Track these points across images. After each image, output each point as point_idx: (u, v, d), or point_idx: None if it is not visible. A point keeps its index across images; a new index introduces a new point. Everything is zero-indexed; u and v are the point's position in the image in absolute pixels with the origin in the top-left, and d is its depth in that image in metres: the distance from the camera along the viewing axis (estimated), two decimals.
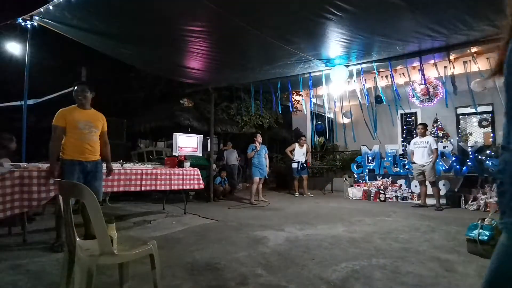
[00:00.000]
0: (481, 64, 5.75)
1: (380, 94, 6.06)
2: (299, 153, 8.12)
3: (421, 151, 6.13)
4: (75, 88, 3.38)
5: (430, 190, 6.54)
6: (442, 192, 6.47)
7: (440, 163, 6.85)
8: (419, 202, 6.44)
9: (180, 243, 3.54)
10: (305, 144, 8.27)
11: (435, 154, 6.02)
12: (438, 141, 8.54)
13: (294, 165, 8.06)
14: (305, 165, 8.08)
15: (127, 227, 4.34)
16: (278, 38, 4.49)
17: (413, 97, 7.73)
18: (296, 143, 8.28)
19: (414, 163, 6.27)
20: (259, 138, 7.03)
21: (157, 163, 6.15)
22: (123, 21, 4.16)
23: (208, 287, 2.33)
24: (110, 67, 9.25)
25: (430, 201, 6.26)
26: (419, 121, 9.92)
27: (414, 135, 9.90)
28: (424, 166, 6.04)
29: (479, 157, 6.71)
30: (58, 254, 2.99)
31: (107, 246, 1.73)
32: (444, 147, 7.24)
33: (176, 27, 4.20)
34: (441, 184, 6.53)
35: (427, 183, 6.16)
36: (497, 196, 0.70)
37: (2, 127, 5.50)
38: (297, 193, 8.13)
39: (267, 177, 7.38)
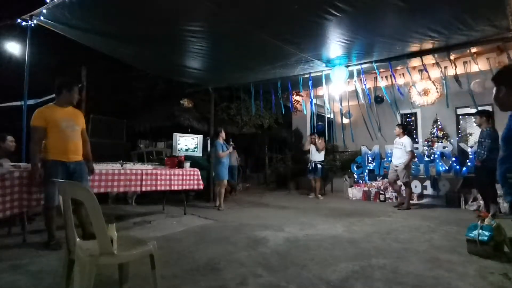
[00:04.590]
0: (481, 64, 5.75)
1: (384, 94, 6.07)
2: (313, 152, 7.74)
3: (397, 151, 6.19)
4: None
5: (429, 190, 6.57)
6: (442, 193, 6.47)
7: (440, 163, 6.84)
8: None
9: (180, 243, 3.53)
10: (315, 141, 7.75)
11: (408, 156, 5.98)
12: (438, 142, 8.54)
13: (308, 166, 7.79)
14: (318, 166, 7.61)
15: (127, 227, 4.34)
16: (278, 38, 4.49)
17: (414, 97, 7.71)
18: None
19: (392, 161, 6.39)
20: (223, 134, 6.25)
21: (157, 163, 6.13)
22: (123, 21, 4.16)
23: (208, 287, 2.33)
24: (110, 67, 9.22)
25: (426, 200, 6.27)
26: (419, 121, 9.92)
27: (414, 136, 9.94)
28: (397, 166, 6.09)
29: None
30: (58, 254, 2.98)
31: (107, 246, 1.73)
32: (444, 147, 7.22)
33: (176, 27, 4.20)
34: (441, 184, 6.53)
35: (399, 182, 6.23)
36: None
37: (2, 127, 5.48)
38: (310, 195, 7.83)
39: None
